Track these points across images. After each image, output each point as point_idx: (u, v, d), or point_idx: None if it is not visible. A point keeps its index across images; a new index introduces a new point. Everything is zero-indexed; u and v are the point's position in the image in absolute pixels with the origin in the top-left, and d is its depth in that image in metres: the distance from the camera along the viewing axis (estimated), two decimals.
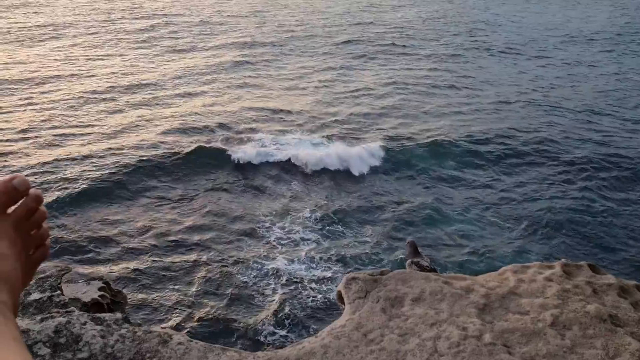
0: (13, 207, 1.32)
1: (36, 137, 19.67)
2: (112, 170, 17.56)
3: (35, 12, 42.54)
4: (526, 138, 22.54)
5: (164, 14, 46.31)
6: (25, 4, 46.42)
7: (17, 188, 1.30)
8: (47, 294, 5.66)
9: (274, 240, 15.10)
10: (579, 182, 19.20)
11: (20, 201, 1.32)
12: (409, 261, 8.17)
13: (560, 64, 36.05)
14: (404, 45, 39.81)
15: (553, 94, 28.59)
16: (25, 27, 36.99)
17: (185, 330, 10.71)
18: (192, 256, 14.01)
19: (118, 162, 18.10)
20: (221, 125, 21.90)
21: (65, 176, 16.92)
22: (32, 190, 1.34)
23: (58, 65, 28.87)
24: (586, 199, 17.99)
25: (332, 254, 14.43)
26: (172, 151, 19.16)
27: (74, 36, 35.75)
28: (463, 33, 46.00)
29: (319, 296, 12.67)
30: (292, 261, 14.21)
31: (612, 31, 48.97)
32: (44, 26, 37.76)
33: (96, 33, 36.83)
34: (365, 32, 44.04)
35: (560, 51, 40.33)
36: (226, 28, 42.54)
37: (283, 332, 11.45)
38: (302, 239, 15.19)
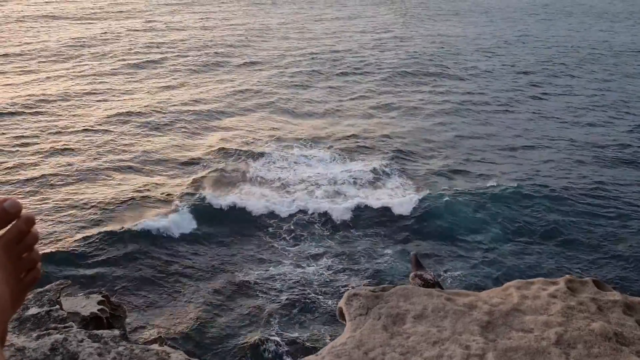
0: (4, 230, 1.29)
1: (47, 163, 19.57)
2: (133, 193, 17.51)
3: (59, 30, 41.65)
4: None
5: (184, 30, 44.92)
6: (52, 19, 45.49)
7: (7, 211, 1.26)
8: (46, 308, 5.60)
9: (282, 250, 15.08)
10: (584, 195, 19.15)
11: (12, 224, 1.29)
12: (412, 274, 8.09)
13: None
14: (452, 66, 37.49)
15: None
16: (48, 46, 36.10)
17: (185, 348, 10.60)
18: (196, 269, 13.96)
19: (137, 186, 17.83)
20: (250, 154, 21.11)
21: (75, 201, 16.78)
22: (24, 213, 1.30)
23: (76, 86, 28.26)
24: (591, 213, 17.93)
25: (341, 263, 14.41)
26: (183, 180, 18.69)
27: (94, 57, 34.72)
28: (501, 54, 42.92)
29: (327, 304, 12.59)
30: (301, 266, 14.19)
31: None
32: (67, 45, 36.66)
33: (112, 54, 35.64)
34: (407, 50, 41.75)
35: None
36: (251, 45, 41.05)
37: (285, 348, 11.34)
38: (312, 248, 15.15)
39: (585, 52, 43.94)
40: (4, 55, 33.24)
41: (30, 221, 1.32)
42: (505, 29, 54.42)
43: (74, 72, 30.73)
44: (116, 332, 4.26)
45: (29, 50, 34.27)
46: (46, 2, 53.44)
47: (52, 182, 17.91)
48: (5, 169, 18.59)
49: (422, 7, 67.46)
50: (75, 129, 22.42)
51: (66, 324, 5.06)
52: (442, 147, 23.48)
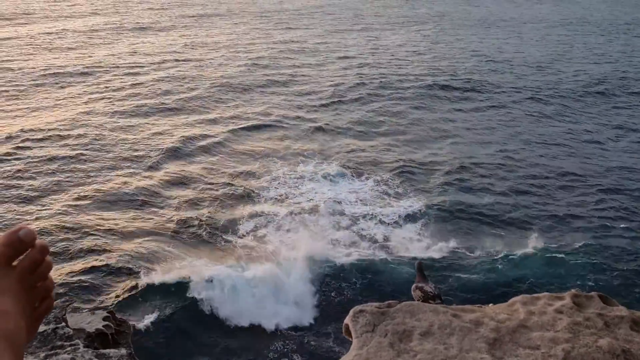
0: (18, 259, 1.30)
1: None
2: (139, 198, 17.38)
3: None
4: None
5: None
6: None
7: (22, 240, 1.28)
8: (52, 326, 5.62)
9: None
10: (589, 209, 19.10)
11: (26, 253, 1.30)
12: (414, 286, 8.07)
13: None
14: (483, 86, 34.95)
15: None
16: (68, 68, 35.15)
17: None
18: (197, 283, 13.91)
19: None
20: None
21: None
22: (38, 242, 1.31)
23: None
24: (597, 226, 17.87)
25: (348, 278, 14.39)
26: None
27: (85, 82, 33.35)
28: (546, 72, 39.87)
29: (334, 320, 12.53)
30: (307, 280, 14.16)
31: None
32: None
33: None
34: (437, 66, 39.97)
35: None
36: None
37: None
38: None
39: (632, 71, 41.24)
40: (42, 75, 32.37)
41: (45, 250, 1.33)
42: (542, 43, 51.72)
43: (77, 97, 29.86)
44: (123, 350, 4.26)
45: (37, 72, 33.35)
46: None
47: (56, 199, 17.96)
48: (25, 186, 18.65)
49: (451, 19, 65.78)
50: (90, 152, 21.99)
51: (72, 342, 5.07)
52: (457, 163, 23.09)
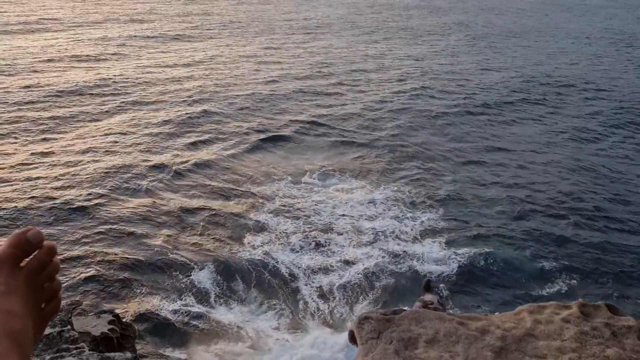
0: (26, 260, 1.31)
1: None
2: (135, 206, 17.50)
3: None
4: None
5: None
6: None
7: (30, 241, 1.28)
8: (57, 328, 5.62)
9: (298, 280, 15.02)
10: (597, 220, 19.03)
11: (34, 254, 1.31)
12: (416, 300, 8.07)
13: None
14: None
15: None
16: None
17: None
18: (209, 303, 13.93)
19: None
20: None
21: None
22: (45, 243, 1.32)
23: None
24: (605, 237, 17.80)
25: (354, 288, 14.39)
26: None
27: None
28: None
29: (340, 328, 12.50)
30: (314, 286, 14.10)
31: None
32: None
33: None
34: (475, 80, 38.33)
35: None
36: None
37: None
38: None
39: None
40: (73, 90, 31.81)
41: (52, 251, 1.33)
42: (568, 57, 49.43)
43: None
44: (128, 354, 4.26)
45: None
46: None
47: (60, 201, 18.08)
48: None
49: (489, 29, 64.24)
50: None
51: (77, 345, 5.08)
52: (476, 177, 22.63)
